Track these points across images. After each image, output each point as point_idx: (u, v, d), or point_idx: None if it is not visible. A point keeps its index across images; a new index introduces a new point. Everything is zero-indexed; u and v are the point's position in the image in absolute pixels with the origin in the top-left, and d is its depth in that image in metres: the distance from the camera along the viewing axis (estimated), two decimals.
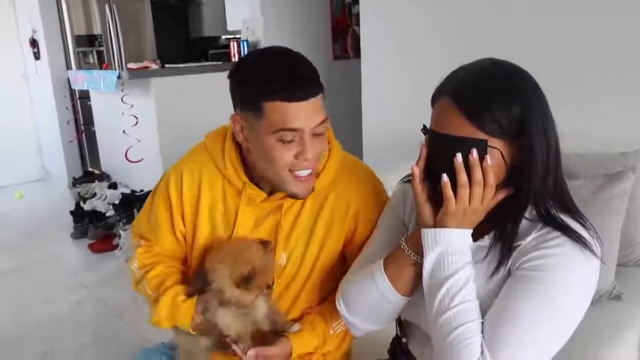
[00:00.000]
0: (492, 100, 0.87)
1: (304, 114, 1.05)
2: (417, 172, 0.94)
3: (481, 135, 0.87)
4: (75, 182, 4.43)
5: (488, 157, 0.87)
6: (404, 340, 1.16)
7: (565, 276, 0.88)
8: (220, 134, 1.24)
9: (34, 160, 5.70)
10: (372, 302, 1.03)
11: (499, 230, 0.94)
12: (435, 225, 0.93)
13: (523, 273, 0.90)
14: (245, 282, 1.07)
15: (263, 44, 4.18)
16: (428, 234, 0.93)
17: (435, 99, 0.95)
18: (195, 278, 1.19)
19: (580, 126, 2.03)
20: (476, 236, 0.94)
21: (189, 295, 1.18)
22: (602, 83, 2.08)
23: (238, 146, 1.21)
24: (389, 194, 1.24)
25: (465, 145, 0.87)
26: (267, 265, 1.11)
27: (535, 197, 0.91)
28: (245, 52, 4.17)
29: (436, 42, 2.66)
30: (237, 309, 1.12)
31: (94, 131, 4.88)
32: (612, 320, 1.50)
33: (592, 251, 0.89)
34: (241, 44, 4.15)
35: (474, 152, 0.87)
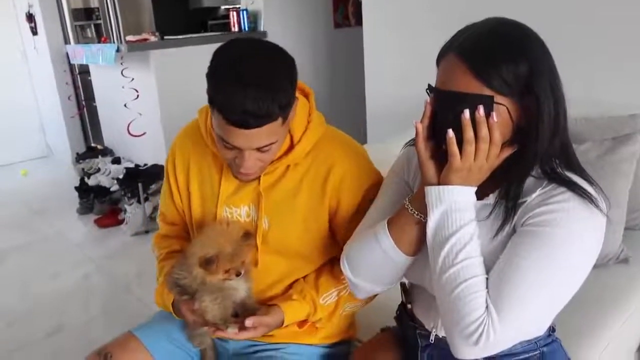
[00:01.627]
0: (499, 57, 0.86)
1: (243, 138, 1.03)
2: (421, 129, 0.93)
3: (487, 92, 0.86)
4: (79, 157, 4.43)
5: (494, 113, 0.86)
6: (409, 306, 1.16)
7: (570, 231, 0.87)
8: (206, 109, 1.23)
9: (36, 137, 5.69)
10: (376, 262, 1.03)
11: (504, 188, 0.93)
12: (439, 183, 0.93)
13: (528, 229, 0.89)
14: (206, 263, 1.08)
15: (263, 14, 4.11)
16: (432, 192, 0.92)
17: (441, 57, 0.93)
18: (179, 261, 1.22)
19: (588, 90, 2.00)
20: (480, 194, 0.94)
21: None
22: (610, 46, 2.04)
23: None
24: (393, 160, 1.22)
25: (471, 101, 0.87)
26: (238, 253, 1.11)
27: (541, 156, 0.90)
28: (245, 22, 4.11)
29: (439, 7, 2.60)
30: (214, 292, 1.14)
31: (95, 106, 4.85)
32: (619, 284, 1.50)
33: (597, 206, 0.88)
34: (241, 13, 4.07)
35: (481, 109, 0.86)
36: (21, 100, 5.47)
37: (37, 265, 3.20)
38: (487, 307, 0.87)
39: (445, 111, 0.91)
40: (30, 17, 5.00)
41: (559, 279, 0.87)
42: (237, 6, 4.41)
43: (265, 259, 1.23)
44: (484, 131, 0.87)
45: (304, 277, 1.26)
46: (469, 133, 0.87)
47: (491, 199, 0.95)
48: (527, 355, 1.00)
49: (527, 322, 0.89)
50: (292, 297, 1.22)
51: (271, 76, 1.02)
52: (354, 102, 3.60)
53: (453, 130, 0.88)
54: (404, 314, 1.20)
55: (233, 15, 4.11)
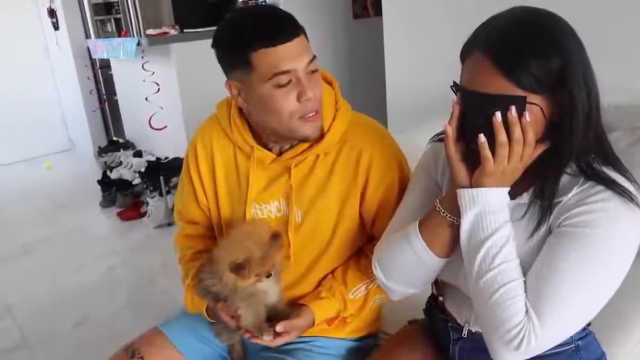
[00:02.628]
0: (529, 53, 0.82)
1: (292, 54, 1.06)
2: (451, 131, 0.91)
3: (519, 92, 0.83)
4: (101, 151, 4.48)
5: (527, 113, 0.83)
6: (440, 298, 1.15)
7: (611, 232, 0.85)
8: (227, 102, 1.25)
9: (59, 131, 5.77)
10: (409, 265, 1.01)
11: (539, 186, 0.91)
12: (471, 185, 0.90)
13: (566, 230, 0.87)
14: (237, 268, 1.07)
15: (281, 5, 4.09)
16: (465, 194, 0.90)
17: (466, 54, 0.90)
18: (205, 265, 1.21)
19: (616, 77, 1.95)
20: (514, 194, 0.91)
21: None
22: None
23: (242, 112, 1.22)
24: (417, 154, 1.20)
25: (502, 102, 0.83)
26: (268, 256, 1.10)
27: (576, 151, 0.88)
28: None
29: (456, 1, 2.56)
30: (246, 298, 1.13)
31: (117, 100, 4.89)
32: None
33: (637, 204, 0.86)
34: (259, 5, 4.06)
35: (513, 109, 0.83)
36: (44, 95, 5.56)
37: (62, 258, 3.25)
38: (527, 311, 0.85)
39: (474, 113, 0.88)
40: (51, 13, 5.06)
41: (599, 280, 0.86)
42: None
43: (297, 250, 1.22)
44: (517, 132, 0.84)
45: (332, 273, 1.25)
46: (502, 136, 0.85)
47: (525, 198, 0.93)
48: (562, 349, 0.99)
49: (567, 324, 0.88)
50: (321, 296, 1.21)
51: (274, 6, 1.14)
52: (374, 93, 3.57)
53: (484, 132, 0.85)
54: (435, 306, 1.19)
55: None
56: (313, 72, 1.10)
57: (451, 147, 0.92)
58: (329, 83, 1.23)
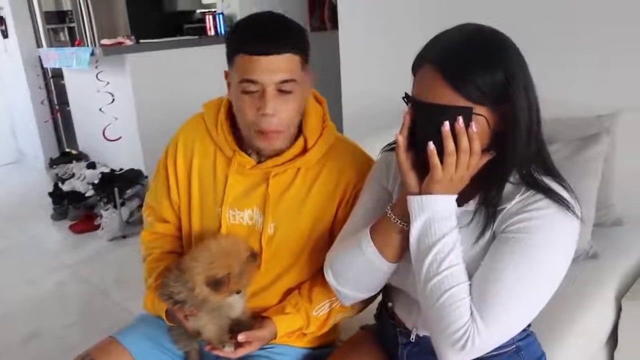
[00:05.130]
0: (475, 67, 0.87)
1: (265, 67, 1.08)
2: (402, 140, 0.95)
3: (465, 103, 0.87)
4: (53, 162, 4.36)
5: (473, 124, 0.88)
6: (389, 304, 1.17)
7: (548, 237, 0.90)
8: (216, 103, 1.27)
9: (8, 142, 5.57)
10: (360, 270, 1.04)
11: (484, 194, 0.96)
12: (420, 193, 0.94)
13: (508, 235, 0.92)
14: (216, 284, 1.08)
15: (239, 17, 4.11)
16: (414, 201, 0.94)
17: (416, 67, 0.94)
18: (172, 270, 1.20)
19: (558, 91, 2.05)
20: (461, 201, 0.95)
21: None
22: (580, 47, 2.09)
23: (231, 116, 1.23)
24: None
25: (450, 113, 0.88)
26: (244, 274, 1.11)
27: (518, 161, 0.93)
28: (221, 25, 4.10)
29: (414, 10, 2.65)
30: (212, 310, 1.13)
31: (69, 110, 4.78)
32: (589, 279, 1.55)
33: (573, 212, 0.92)
34: (217, 17, 4.08)
35: (460, 120, 0.87)
36: None
37: (12, 272, 3.14)
38: (471, 313, 0.89)
39: (424, 122, 0.92)
40: (0, 20, 4.91)
41: (538, 283, 0.90)
42: (213, 10, 4.40)
43: (266, 259, 1.23)
44: (464, 142, 0.88)
45: (299, 290, 1.26)
46: (450, 145, 0.88)
47: (472, 205, 0.97)
48: (504, 350, 1.03)
49: (510, 325, 0.92)
50: (285, 311, 1.22)
51: (284, 18, 1.15)
52: (330, 104, 3.62)
53: (433, 141, 0.89)
54: (384, 312, 1.21)
55: (209, 19, 4.11)
56: (285, 92, 1.11)
57: (402, 155, 0.95)
58: (319, 102, 1.27)
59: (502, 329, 0.92)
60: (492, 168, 0.94)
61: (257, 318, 1.22)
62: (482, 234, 0.95)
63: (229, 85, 1.19)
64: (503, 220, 0.93)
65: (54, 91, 5.01)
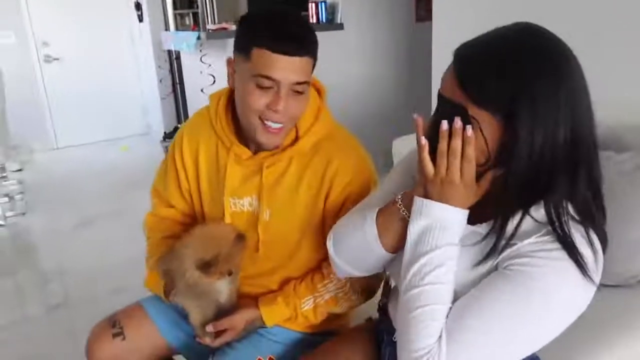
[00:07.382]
0: (484, 66, 0.82)
1: (285, 67, 1.10)
2: (421, 122, 0.89)
3: (465, 101, 0.83)
4: (166, 136, 4.76)
5: (469, 127, 0.82)
6: (384, 300, 1.17)
7: (549, 289, 0.81)
8: (218, 94, 1.30)
9: (139, 115, 6.19)
10: (356, 247, 1.02)
11: (499, 223, 0.86)
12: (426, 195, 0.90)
13: (507, 272, 0.84)
14: (205, 266, 1.11)
15: (341, 6, 4.14)
16: (417, 202, 0.90)
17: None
18: (168, 257, 1.25)
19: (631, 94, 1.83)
20: (474, 220, 0.90)
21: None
22: None
23: (232, 107, 1.26)
24: None
25: (447, 107, 0.85)
26: (233, 255, 1.14)
27: (518, 190, 0.84)
28: (324, 13, 4.17)
29: (509, 7, 2.49)
30: (201, 297, 1.18)
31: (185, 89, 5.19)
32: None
33: (590, 278, 0.81)
34: (319, 5, 4.14)
35: (458, 120, 0.83)
36: (128, 82, 6.00)
37: (124, 231, 3.38)
38: (440, 337, 0.84)
39: (435, 115, 0.89)
40: (137, 6, 5.46)
41: (519, 335, 0.83)
42: None
43: (267, 245, 1.28)
44: (455, 143, 0.83)
45: (295, 281, 1.29)
46: (442, 144, 0.84)
47: (484, 228, 0.89)
48: None
49: None
50: (276, 301, 1.26)
51: (305, 20, 1.19)
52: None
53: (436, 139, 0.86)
54: (380, 308, 1.20)
55: (312, 7, 4.19)
56: (298, 92, 1.14)
57: (420, 139, 0.89)
58: (318, 91, 1.27)
59: None
60: (503, 190, 0.85)
61: (239, 306, 1.26)
62: (483, 260, 0.87)
63: (233, 72, 1.20)
64: (510, 256, 0.84)
65: (176, 71, 5.46)
